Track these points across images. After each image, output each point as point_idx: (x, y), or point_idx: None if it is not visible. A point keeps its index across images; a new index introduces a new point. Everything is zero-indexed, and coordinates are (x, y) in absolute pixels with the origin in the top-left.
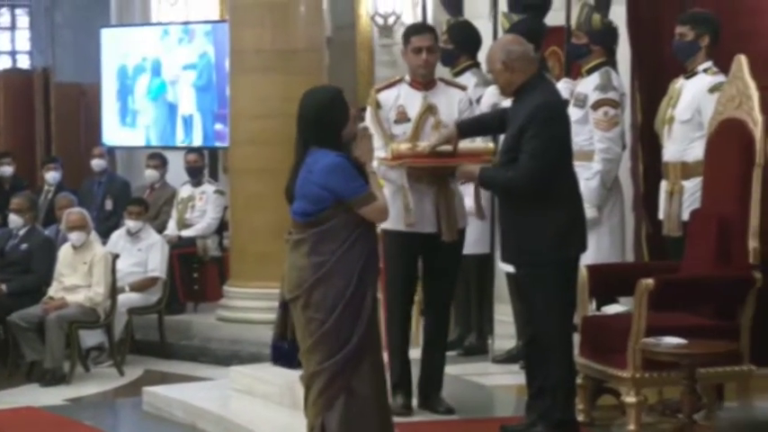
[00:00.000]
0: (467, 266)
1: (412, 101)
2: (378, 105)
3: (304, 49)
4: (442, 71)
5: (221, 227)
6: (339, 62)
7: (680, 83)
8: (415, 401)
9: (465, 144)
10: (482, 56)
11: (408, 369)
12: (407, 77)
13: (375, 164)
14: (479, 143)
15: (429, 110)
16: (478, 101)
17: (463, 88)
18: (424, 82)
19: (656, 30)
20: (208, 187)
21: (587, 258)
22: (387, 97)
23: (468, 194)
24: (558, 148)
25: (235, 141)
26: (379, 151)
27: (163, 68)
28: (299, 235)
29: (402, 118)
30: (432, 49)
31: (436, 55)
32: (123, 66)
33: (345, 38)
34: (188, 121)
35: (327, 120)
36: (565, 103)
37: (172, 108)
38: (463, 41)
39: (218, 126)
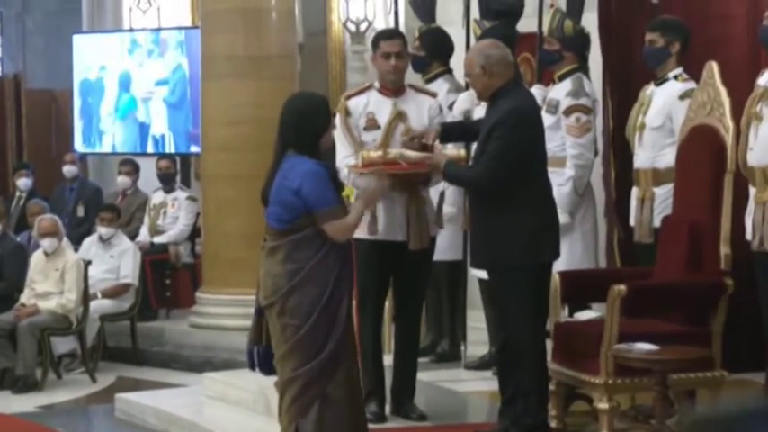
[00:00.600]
0: (439, 273)
1: (381, 108)
2: (347, 112)
3: (276, 56)
4: (413, 78)
5: (194, 233)
6: (311, 68)
7: (650, 89)
8: (388, 408)
9: (437, 150)
10: (454, 62)
11: (382, 376)
12: (377, 84)
13: (345, 172)
14: (451, 149)
15: (399, 116)
16: (450, 107)
17: (433, 95)
18: (394, 88)
19: (628, 36)
20: (180, 194)
21: (560, 264)
22: (356, 104)
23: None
24: (521, 152)
25: (207, 148)
26: (349, 159)
27: (133, 84)
28: (274, 242)
29: (372, 125)
30: (401, 54)
31: (405, 60)
32: (85, 80)
33: (317, 44)
34: (159, 143)
35: (308, 127)
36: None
37: (143, 128)
38: (435, 48)
39: (194, 148)
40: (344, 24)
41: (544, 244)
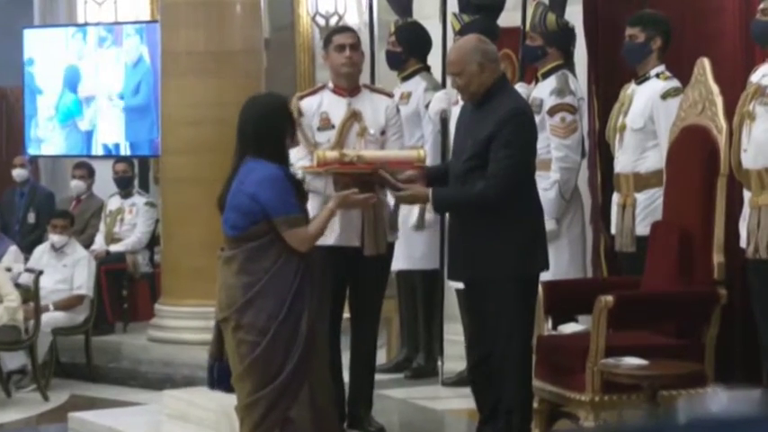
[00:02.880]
0: (414, 282)
1: (335, 107)
2: (300, 113)
3: (240, 51)
4: (389, 75)
5: (152, 241)
6: (277, 65)
7: (631, 88)
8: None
9: (392, 150)
10: (432, 59)
11: (341, 389)
12: (330, 84)
13: (300, 174)
14: (408, 150)
15: (353, 116)
16: (426, 107)
17: (390, 95)
18: (348, 88)
19: (614, 31)
20: (138, 199)
21: (545, 274)
22: (309, 104)
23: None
24: (530, 156)
25: (166, 149)
26: (303, 160)
27: (82, 82)
28: (229, 251)
29: (325, 125)
30: (355, 46)
31: (360, 54)
32: (32, 77)
33: (284, 39)
34: (113, 152)
35: (267, 130)
36: None
37: (87, 137)
38: (412, 44)
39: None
40: (313, 18)
41: (538, 254)
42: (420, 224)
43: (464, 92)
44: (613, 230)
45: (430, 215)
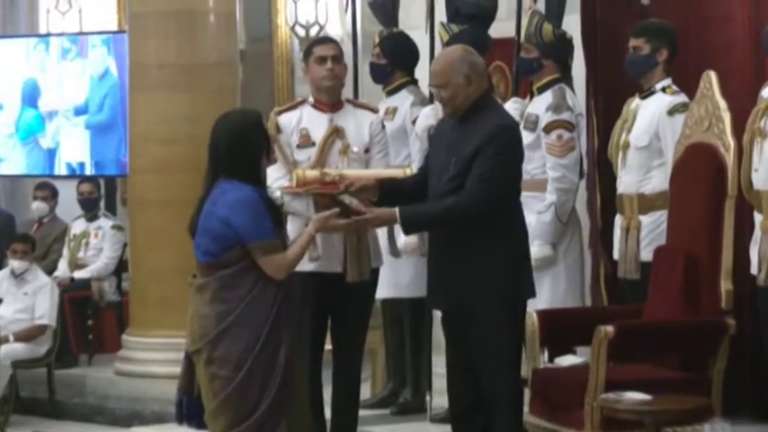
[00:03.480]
0: (400, 312)
1: (316, 123)
2: (278, 129)
3: (214, 64)
4: (374, 89)
5: (120, 267)
6: (254, 78)
7: (635, 103)
8: None
9: (377, 169)
10: (419, 72)
11: (323, 426)
12: (311, 99)
13: (278, 194)
14: (394, 169)
15: (335, 133)
16: (413, 123)
17: (374, 110)
18: (330, 102)
19: (615, 42)
20: (104, 222)
21: (541, 302)
22: (288, 120)
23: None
24: (515, 172)
25: (134, 169)
26: (282, 180)
27: (43, 97)
28: (201, 278)
29: (305, 142)
30: (337, 58)
31: (342, 66)
32: None
33: (261, 51)
34: (77, 171)
35: (240, 148)
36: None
37: (50, 156)
38: (398, 55)
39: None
40: (292, 28)
41: (524, 278)
42: (394, 250)
43: (448, 106)
44: (616, 256)
45: (412, 238)
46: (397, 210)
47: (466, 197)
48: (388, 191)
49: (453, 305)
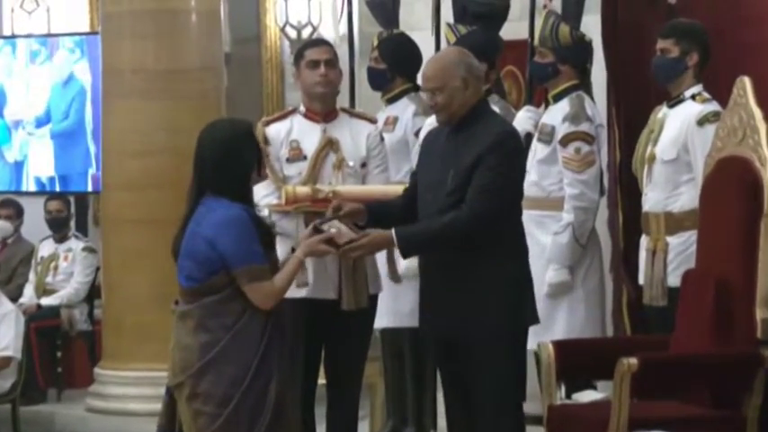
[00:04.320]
0: (401, 343)
1: (308, 135)
2: (266, 141)
3: (196, 69)
4: (372, 97)
5: (92, 293)
6: (240, 85)
7: (662, 112)
8: None
9: (375, 186)
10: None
11: None
12: (302, 108)
13: (265, 212)
14: (394, 185)
15: (329, 145)
16: (416, 134)
17: (372, 121)
18: (323, 112)
19: (639, 44)
20: (74, 243)
21: (558, 332)
22: (277, 131)
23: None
24: (519, 186)
25: (108, 184)
26: (270, 197)
27: (8, 104)
28: (184, 305)
29: (296, 155)
30: (331, 62)
31: (337, 72)
32: None
33: (248, 54)
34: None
35: (228, 162)
36: (527, 137)
37: (17, 169)
38: (399, 59)
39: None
40: (283, 29)
41: (526, 304)
42: (394, 275)
43: (442, 112)
44: (640, 281)
45: (414, 261)
46: (392, 231)
47: (467, 212)
48: (377, 214)
49: (447, 336)
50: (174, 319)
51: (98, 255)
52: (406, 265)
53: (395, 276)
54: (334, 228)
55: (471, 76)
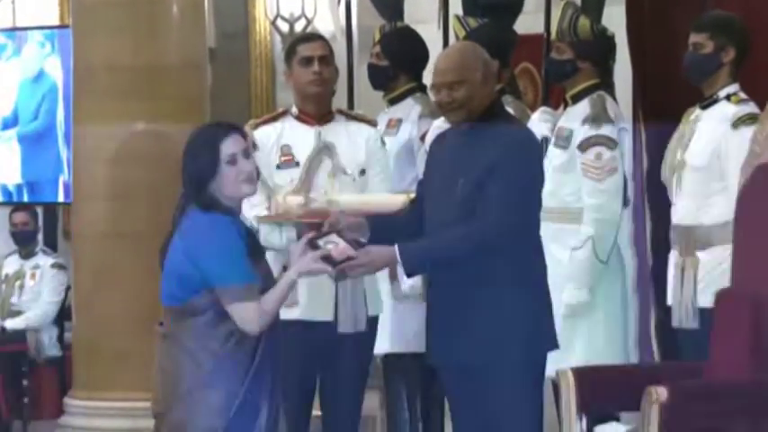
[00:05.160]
0: (405, 370)
1: (300, 139)
2: (254, 146)
3: (177, 66)
4: (373, 97)
5: (62, 315)
6: (226, 83)
7: (694, 114)
8: None
9: (375, 195)
10: (428, 76)
11: None
12: (294, 109)
13: (253, 224)
14: (396, 195)
15: (324, 151)
16: (422, 138)
17: (373, 124)
18: (318, 114)
19: (668, 38)
20: (42, 259)
21: (577, 358)
22: (266, 135)
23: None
24: (537, 196)
25: (80, 195)
26: (258, 208)
27: None
28: (167, 327)
29: (287, 162)
30: (327, 59)
31: (333, 70)
32: None
33: (235, 50)
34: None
35: (190, 169)
36: (543, 142)
37: None
38: (403, 55)
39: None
40: (273, 22)
41: (546, 328)
42: (397, 293)
43: (460, 110)
44: (669, 300)
45: (416, 280)
46: (396, 248)
47: (479, 225)
48: (378, 228)
49: (456, 363)
50: (157, 341)
51: (69, 272)
52: (411, 283)
53: (398, 295)
54: (331, 243)
55: (489, 71)
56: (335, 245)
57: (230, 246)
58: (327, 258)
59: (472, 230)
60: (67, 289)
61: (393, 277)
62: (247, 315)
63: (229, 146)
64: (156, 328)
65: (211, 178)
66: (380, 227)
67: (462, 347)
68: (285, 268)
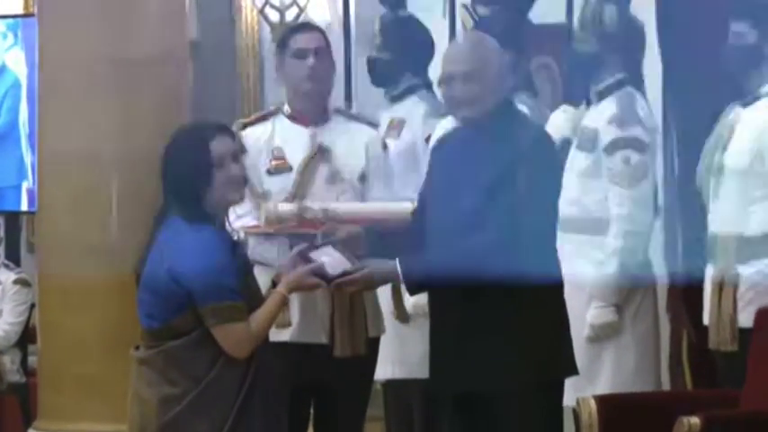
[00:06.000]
0: (409, 398)
1: (294, 141)
2: (242, 148)
3: (155, 59)
4: (374, 93)
5: (25, 337)
6: (209, 78)
7: (734, 113)
8: None
9: (376, 203)
10: (434, 71)
11: None
12: (286, 108)
13: (240, 236)
14: (399, 203)
15: (320, 154)
16: (428, 140)
17: (373, 124)
18: (312, 113)
19: (705, 27)
20: (4, 274)
21: (602, 385)
22: (255, 136)
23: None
24: (554, 205)
25: (45, 203)
26: (246, 218)
27: None
28: (145, 350)
29: (279, 167)
30: (322, 52)
31: (329, 64)
32: None
33: (220, 41)
34: None
35: (178, 176)
36: (565, 144)
37: None
38: (406, 48)
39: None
40: (262, 11)
41: (563, 350)
42: (400, 313)
43: (474, 106)
44: (705, 320)
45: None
46: (397, 261)
47: (490, 236)
48: (378, 239)
49: (464, 390)
50: (133, 366)
51: (33, 289)
52: (415, 302)
53: (401, 315)
54: (326, 256)
55: (503, 66)
56: (330, 258)
57: (217, 261)
58: (321, 273)
59: (481, 241)
60: (31, 307)
61: (395, 295)
62: (234, 337)
63: (217, 148)
64: (132, 352)
65: (204, 184)
66: (378, 237)
67: (468, 372)
68: (275, 284)
